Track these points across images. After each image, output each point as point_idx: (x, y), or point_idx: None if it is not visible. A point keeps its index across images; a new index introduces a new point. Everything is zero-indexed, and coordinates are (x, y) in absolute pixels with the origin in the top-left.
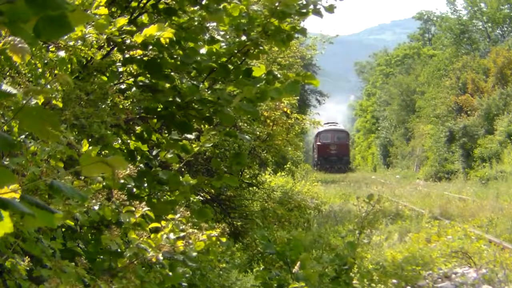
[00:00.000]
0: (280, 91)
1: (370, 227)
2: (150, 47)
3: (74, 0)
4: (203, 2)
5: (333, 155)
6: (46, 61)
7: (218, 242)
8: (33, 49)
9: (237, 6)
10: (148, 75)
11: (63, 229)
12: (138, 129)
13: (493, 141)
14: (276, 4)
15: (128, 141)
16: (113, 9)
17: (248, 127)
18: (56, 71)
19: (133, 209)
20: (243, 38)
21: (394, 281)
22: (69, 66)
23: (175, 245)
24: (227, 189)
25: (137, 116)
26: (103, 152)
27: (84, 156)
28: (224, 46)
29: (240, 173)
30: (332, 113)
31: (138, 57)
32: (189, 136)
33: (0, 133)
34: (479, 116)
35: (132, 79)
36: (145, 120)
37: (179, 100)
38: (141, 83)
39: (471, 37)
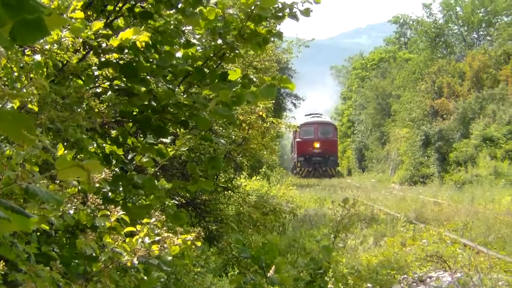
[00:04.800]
0: (256, 95)
1: (345, 231)
2: (126, 50)
3: (50, 3)
4: (179, 6)
5: (317, 154)
6: (22, 65)
7: (193, 246)
8: (9, 52)
9: (213, 10)
10: (124, 79)
11: (38, 233)
12: (113, 133)
13: (468, 145)
14: (252, 7)
15: (104, 145)
16: (89, 13)
17: (223, 131)
18: (32, 75)
19: (108, 213)
20: (219, 41)
21: (369, 285)
22: (45, 69)
23: (150, 249)
24: (202, 193)
25: (113, 120)
26: (78, 156)
27: (59, 160)
28: (200, 50)
29: (216, 177)
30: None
31: (114, 60)
32: (164, 140)
33: None
34: (455, 120)
35: (107, 83)
36: (121, 124)
37: (155, 104)
38: (116, 87)
39: (447, 40)
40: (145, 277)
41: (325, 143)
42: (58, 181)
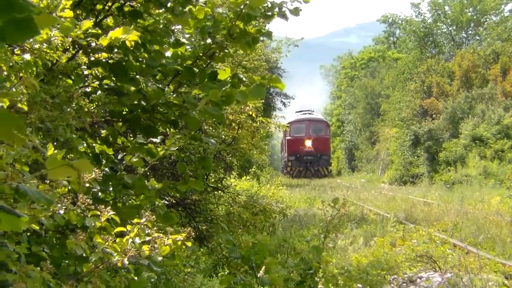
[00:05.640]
0: (245, 94)
1: (335, 231)
2: (116, 50)
3: (39, 2)
4: (169, 5)
5: (309, 153)
6: (11, 64)
7: (184, 247)
8: None
9: (203, 9)
10: (114, 78)
11: (28, 234)
12: (103, 132)
13: (458, 145)
14: (242, 6)
15: (94, 144)
16: (78, 12)
17: (213, 130)
18: (21, 74)
19: (99, 213)
20: (209, 41)
21: (359, 285)
22: (34, 69)
23: (141, 249)
24: (192, 193)
25: (103, 120)
26: (68, 156)
27: (49, 160)
28: (190, 49)
29: (206, 177)
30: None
31: (104, 60)
32: (154, 139)
33: None
34: (444, 120)
35: (97, 82)
36: (111, 123)
37: (145, 104)
38: (106, 86)
39: (436, 40)
40: (136, 278)
41: (317, 141)
42: (48, 181)
